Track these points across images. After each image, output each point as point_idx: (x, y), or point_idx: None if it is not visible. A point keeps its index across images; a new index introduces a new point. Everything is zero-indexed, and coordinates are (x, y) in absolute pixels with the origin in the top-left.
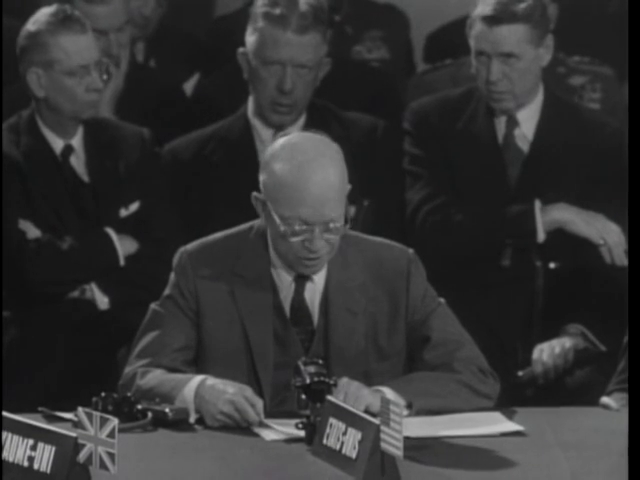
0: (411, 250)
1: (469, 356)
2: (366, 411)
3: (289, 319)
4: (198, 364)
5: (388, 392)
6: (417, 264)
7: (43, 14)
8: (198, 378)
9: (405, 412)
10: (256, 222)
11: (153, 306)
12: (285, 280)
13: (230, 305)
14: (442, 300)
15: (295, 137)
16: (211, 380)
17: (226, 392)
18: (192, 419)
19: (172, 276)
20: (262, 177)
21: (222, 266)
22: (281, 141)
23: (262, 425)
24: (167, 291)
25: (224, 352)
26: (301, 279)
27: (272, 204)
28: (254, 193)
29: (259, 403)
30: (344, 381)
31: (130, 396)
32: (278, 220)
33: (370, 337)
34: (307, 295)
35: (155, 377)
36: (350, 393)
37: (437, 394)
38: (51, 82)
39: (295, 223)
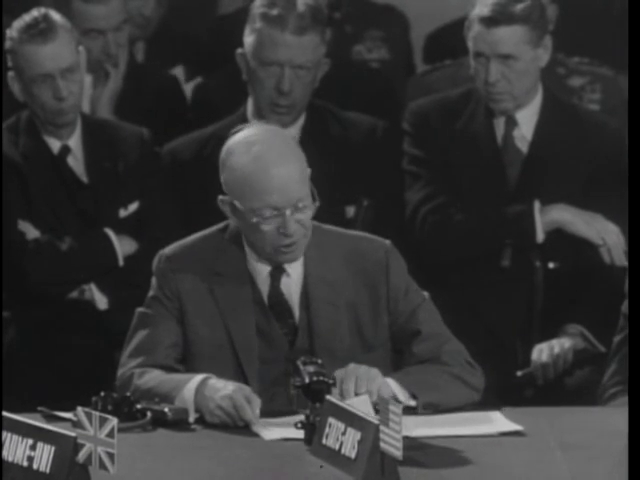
0: (388, 241)
1: (457, 349)
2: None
3: (270, 313)
4: (185, 362)
5: (392, 383)
6: (395, 255)
7: (18, 20)
8: (200, 377)
9: (412, 402)
10: (230, 221)
11: (139, 309)
12: (261, 274)
13: (211, 303)
14: (426, 294)
15: (245, 131)
16: (213, 379)
17: (225, 389)
18: (192, 418)
19: (153, 279)
20: (223, 177)
21: (200, 266)
22: (234, 138)
23: (261, 425)
24: (151, 293)
25: (209, 350)
26: (276, 272)
27: (239, 200)
28: (220, 197)
29: (256, 401)
30: (351, 366)
31: (129, 396)
32: (248, 213)
33: (354, 329)
34: (284, 289)
35: (154, 378)
36: (360, 376)
37: (435, 387)
38: (23, 87)
39: (265, 211)
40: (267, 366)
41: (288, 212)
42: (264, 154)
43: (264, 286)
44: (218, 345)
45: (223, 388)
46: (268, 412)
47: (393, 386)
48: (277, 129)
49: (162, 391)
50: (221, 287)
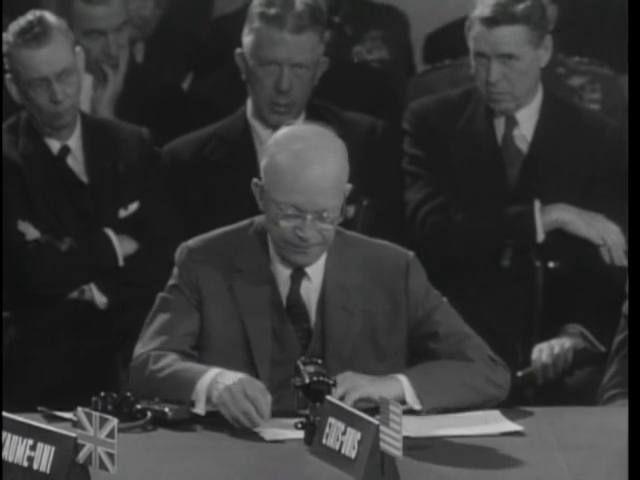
0: (411, 252)
1: (479, 345)
2: (368, 401)
3: (286, 316)
4: (199, 353)
5: (404, 380)
6: (416, 265)
7: (13, 24)
8: (215, 370)
9: (417, 407)
10: (256, 218)
11: (161, 294)
12: (282, 276)
13: (229, 299)
14: (445, 299)
15: (299, 126)
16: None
17: (240, 376)
18: (201, 410)
19: (175, 270)
20: (262, 162)
21: (222, 261)
22: (285, 129)
23: (262, 425)
24: (171, 282)
25: (223, 345)
26: (297, 275)
27: (268, 188)
28: (254, 179)
29: (268, 397)
30: (342, 376)
31: (129, 396)
32: (273, 205)
33: (368, 337)
34: (303, 292)
35: (168, 365)
36: (346, 385)
37: (451, 388)
38: (20, 90)
39: (288, 209)
40: (278, 367)
41: (309, 217)
42: (305, 154)
43: (284, 288)
44: (232, 342)
45: (236, 375)
46: (276, 414)
47: (405, 383)
48: (330, 134)
49: (175, 384)
50: (240, 284)
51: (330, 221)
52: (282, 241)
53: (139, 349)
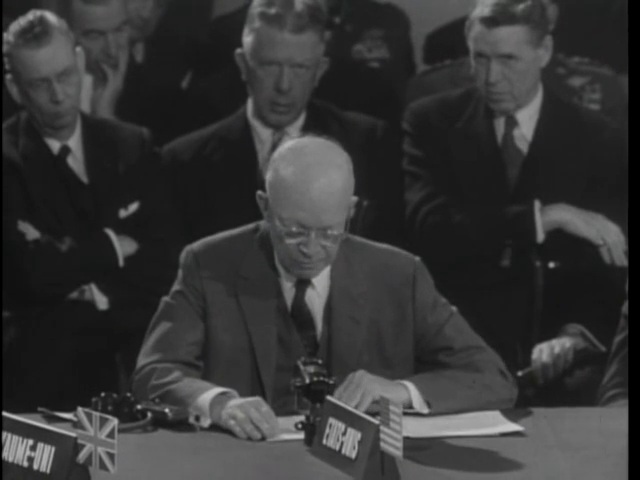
0: (417, 258)
1: (491, 359)
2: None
3: (292, 324)
4: (204, 361)
5: (411, 387)
6: (423, 272)
7: (14, 24)
8: (217, 389)
9: (425, 410)
10: (261, 223)
11: (165, 299)
12: (287, 284)
13: (234, 307)
14: (454, 308)
15: (305, 140)
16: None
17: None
18: (205, 424)
19: (180, 273)
20: (267, 176)
21: (227, 267)
22: (291, 142)
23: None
24: (177, 287)
25: (228, 352)
26: (301, 284)
27: (273, 203)
28: (259, 192)
29: (273, 420)
30: (356, 376)
31: (130, 396)
32: (277, 220)
33: (374, 345)
34: (308, 301)
35: (170, 382)
36: (362, 390)
37: (457, 396)
38: (20, 90)
39: (292, 225)
40: (283, 373)
41: (313, 234)
42: (310, 170)
43: (289, 295)
44: (238, 349)
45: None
46: (277, 414)
47: (412, 390)
48: (336, 148)
49: (178, 396)
50: (246, 292)
51: (334, 239)
52: (286, 257)
53: (142, 359)
